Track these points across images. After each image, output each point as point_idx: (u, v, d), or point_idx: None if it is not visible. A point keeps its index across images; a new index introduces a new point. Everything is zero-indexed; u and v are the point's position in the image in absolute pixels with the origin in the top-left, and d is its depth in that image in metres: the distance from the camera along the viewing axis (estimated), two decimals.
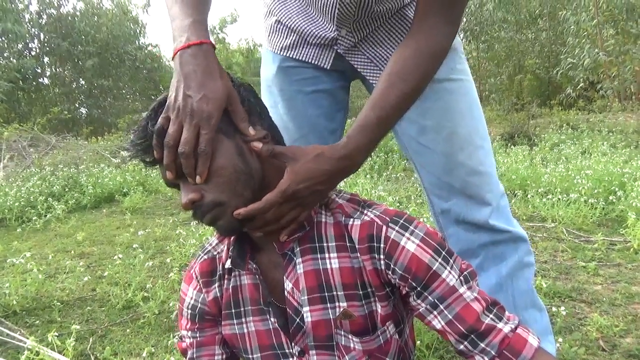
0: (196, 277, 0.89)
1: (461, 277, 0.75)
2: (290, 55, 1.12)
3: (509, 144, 6.59)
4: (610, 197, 3.22)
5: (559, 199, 3.25)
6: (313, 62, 1.10)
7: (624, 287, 2.05)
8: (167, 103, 0.73)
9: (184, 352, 0.91)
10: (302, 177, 0.76)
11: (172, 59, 0.78)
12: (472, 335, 0.73)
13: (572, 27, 10.28)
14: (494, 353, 0.72)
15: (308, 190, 0.76)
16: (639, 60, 9.01)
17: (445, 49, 0.87)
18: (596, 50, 9.30)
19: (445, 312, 0.74)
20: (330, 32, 1.04)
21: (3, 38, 12.05)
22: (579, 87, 10.12)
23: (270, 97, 1.17)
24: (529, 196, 3.55)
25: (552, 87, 12.80)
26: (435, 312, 0.75)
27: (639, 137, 6.43)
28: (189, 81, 0.72)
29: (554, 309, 1.79)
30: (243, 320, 0.86)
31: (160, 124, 0.72)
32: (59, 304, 2.27)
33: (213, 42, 0.78)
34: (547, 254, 2.55)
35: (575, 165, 4.18)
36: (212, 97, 0.71)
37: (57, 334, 1.79)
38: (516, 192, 3.75)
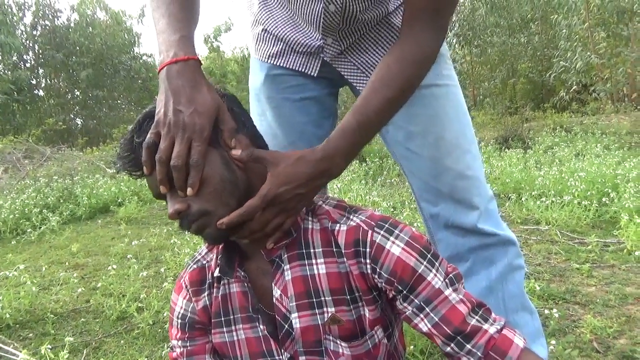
0: (186, 287, 0.89)
1: (447, 280, 0.76)
2: (278, 64, 1.13)
3: (503, 148, 6.61)
4: (604, 199, 3.23)
5: (552, 201, 3.26)
6: (300, 69, 1.11)
7: (618, 288, 2.05)
8: (156, 119, 0.74)
9: None
10: (282, 180, 0.76)
11: (159, 72, 0.79)
12: (459, 337, 0.73)
13: (564, 30, 10.38)
14: (480, 354, 0.73)
15: (289, 194, 0.76)
16: (631, 62, 9.10)
17: (431, 56, 0.88)
18: (588, 53, 9.39)
19: (432, 314, 0.74)
20: (316, 40, 1.05)
21: None
22: (572, 90, 10.21)
23: (258, 105, 1.18)
24: (523, 199, 3.56)
25: (546, 91, 12.90)
26: (421, 315, 0.75)
27: (632, 138, 6.48)
28: (178, 96, 0.73)
29: (547, 311, 1.79)
30: (233, 328, 0.86)
31: (150, 139, 0.73)
32: (52, 316, 2.26)
33: (199, 59, 0.79)
34: (541, 257, 2.55)
35: (569, 168, 4.20)
36: (203, 111, 0.73)
37: (50, 347, 1.77)
38: (510, 195, 3.76)
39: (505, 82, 13.60)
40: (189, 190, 0.72)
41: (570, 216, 3.08)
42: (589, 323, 1.71)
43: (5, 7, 13.21)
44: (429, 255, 0.76)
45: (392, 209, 3.63)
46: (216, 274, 0.85)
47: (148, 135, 0.73)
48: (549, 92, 12.50)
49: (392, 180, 5.08)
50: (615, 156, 4.71)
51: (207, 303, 0.87)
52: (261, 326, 0.83)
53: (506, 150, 6.27)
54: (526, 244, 2.78)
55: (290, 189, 0.76)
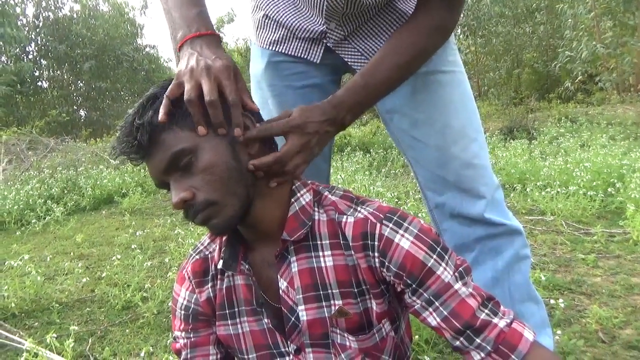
0: (188, 278, 0.88)
1: (456, 274, 0.75)
2: (280, 50, 1.11)
3: (508, 138, 6.58)
4: (609, 189, 3.22)
5: (558, 192, 3.24)
6: (303, 56, 1.09)
7: (624, 279, 2.04)
8: (177, 73, 0.73)
9: (178, 353, 0.90)
10: (303, 114, 0.80)
11: (180, 46, 0.78)
12: (468, 331, 0.73)
13: (570, 20, 10.26)
14: (489, 348, 0.72)
15: (313, 126, 0.79)
16: (638, 52, 8.99)
17: (442, 31, 0.91)
18: (594, 42, 9.26)
19: (441, 308, 0.73)
20: (319, 25, 1.03)
21: (1, 42, 12.03)
22: (577, 80, 10.10)
23: (259, 93, 1.17)
24: (528, 190, 3.54)
25: (551, 81, 12.77)
26: (430, 309, 0.74)
27: (638, 128, 6.42)
28: (201, 51, 0.75)
29: (552, 301, 1.79)
30: (237, 320, 0.85)
31: (171, 90, 0.72)
32: (57, 305, 2.27)
33: (217, 33, 0.81)
34: (546, 247, 2.54)
35: (574, 158, 4.17)
36: (225, 58, 0.75)
37: (56, 336, 1.78)
38: (515, 185, 3.75)
39: (510, 73, 13.48)
40: (237, 131, 0.73)
41: (576, 206, 3.06)
42: (594, 313, 1.71)
43: None
44: (438, 249, 0.75)
45: (396, 200, 3.62)
46: (220, 266, 0.84)
47: (170, 87, 0.73)
48: (554, 82, 12.38)
49: (396, 171, 5.06)
50: (621, 146, 4.68)
51: (211, 295, 0.86)
52: (265, 320, 0.83)
53: (511, 140, 6.24)
54: (531, 235, 2.76)
55: (310, 122, 0.79)
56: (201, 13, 0.82)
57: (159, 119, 0.71)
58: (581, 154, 4.41)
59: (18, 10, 14.09)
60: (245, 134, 0.75)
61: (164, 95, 0.72)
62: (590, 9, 9.50)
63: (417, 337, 1.59)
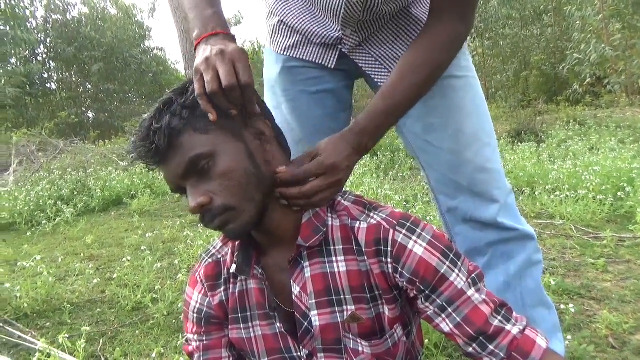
0: (201, 281, 0.88)
1: (469, 280, 0.75)
2: (294, 55, 1.12)
3: (516, 141, 6.55)
4: (619, 193, 3.19)
5: (567, 195, 3.23)
6: (317, 61, 1.10)
7: (634, 284, 2.03)
8: (194, 69, 0.74)
9: (190, 355, 0.91)
10: (334, 151, 0.80)
11: (196, 45, 0.80)
12: (481, 338, 0.73)
13: (578, 22, 10.21)
14: (502, 355, 0.72)
15: (342, 164, 0.80)
16: None
17: (457, 44, 0.91)
18: (602, 45, 9.22)
19: (454, 315, 0.74)
20: (335, 31, 1.04)
21: (9, 45, 12.14)
22: (585, 82, 10.05)
23: (273, 97, 1.17)
24: (536, 193, 3.52)
25: (559, 83, 12.72)
26: (443, 315, 0.75)
27: None
28: (216, 43, 0.76)
29: (562, 306, 1.78)
30: (250, 324, 0.85)
31: (198, 88, 0.72)
32: (69, 306, 2.29)
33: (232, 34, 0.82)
34: (555, 251, 2.53)
35: (583, 162, 4.15)
36: (239, 46, 0.76)
37: (67, 336, 1.80)
38: (523, 189, 3.73)
39: (518, 75, 13.44)
40: (257, 107, 0.74)
41: (585, 211, 3.04)
42: (604, 318, 1.70)
43: (18, 0, 13.28)
44: (451, 255, 0.75)
45: (404, 203, 3.62)
46: (232, 270, 0.84)
47: (194, 86, 0.73)
48: (562, 85, 12.33)
49: (404, 174, 5.06)
50: (631, 150, 4.64)
51: (224, 298, 0.86)
52: (278, 324, 0.83)
53: (519, 143, 6.20)
54: (540, 239, 2.75)
55: (342, 160, 0.80)
56: (216, 13, 0.83)
57: (211, 118, 0.71)
58: (590, 157, 4.38)
59: (28, 12, 14.23)
60: (279, 174, 0.76)
61: (198, 96, 0.72)
62: (598, 11, 9.46)
63: (426, 341, 1.59)
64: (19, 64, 13.98)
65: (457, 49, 0.91)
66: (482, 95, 1.11)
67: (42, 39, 15.38)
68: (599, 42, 9.39)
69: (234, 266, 0.84)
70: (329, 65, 1.09)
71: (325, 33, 1.05)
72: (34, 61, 14.86)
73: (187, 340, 0.92)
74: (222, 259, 0.88)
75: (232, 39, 0.80)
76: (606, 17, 9.47)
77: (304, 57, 1.11)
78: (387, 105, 0.85)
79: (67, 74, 16.48)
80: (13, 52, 13.55)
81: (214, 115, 0.71)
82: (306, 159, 0.80)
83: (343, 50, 1.06)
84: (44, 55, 15.74)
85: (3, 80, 12.14)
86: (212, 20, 0.81)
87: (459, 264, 0.75)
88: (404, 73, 0.87)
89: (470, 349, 0.74)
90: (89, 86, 16.64)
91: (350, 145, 0.82)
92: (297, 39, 1.11)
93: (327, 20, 1.04)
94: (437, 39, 0.88)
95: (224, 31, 0.80)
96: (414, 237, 0.75)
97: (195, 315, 0.88)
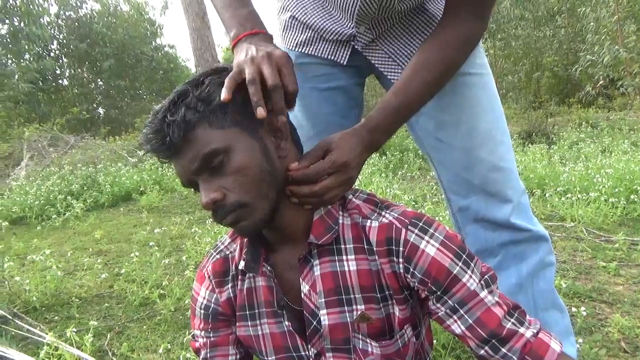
0: (209, 277, 0.87)
1: (482, 281, 0.74)
2: (306, 52, 1.11)
3: (527, 143, 6.49)
4: (632, 196, 3.14)
5: (578, 198, 3.19)
6: (330, 57, 1.09)
7: None
8: (237, 63, 0.74)
9: (197, 352, 0.90)
10: (346, 149, 0.78)
11: (235, 44, 0.81)
12: (494, 341, 0.72)
13: (592, 23, 10.09)
14: (515, 358, 0.71)
15: (354, 162, 0.79)
16: None
17: (472, 43, 0.90)
18: (616, 47, 9.10)
19: (466, 316, 0.72)
20: (348, 28, 1.03)
21: (24, 41, 12.27)
22: (598, 84, 9.93)
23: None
24: (547, 195, 3.49)
25: (571, 85, 12.57)
26: (455, 317, 0.73)
27: None
28: (259, 44, 0.76)
29: (573, 309, 1.76)
30: (257, 322, 0.84)
31: (233, 74, 0.72)
32: (77, 300, 2.30)
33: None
34: (566, 254, 2.50)
35: (595, 164, 4.09)
36: (283, 50, 0.76)
37: (75, 330, 1.81)
38: (534, 191, 3.69)
39: (529, 76, 13.31)
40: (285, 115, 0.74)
41: (597, 213, 3.00)
42: (616, 322, 1.67)
43: None
44: (464, 256, 0.74)
45: (413, 203, 3.60)
46: (241, 266, 0.83)
47: (232, 72, 0.73)
48: (575, 86, 12.19)
49: (413, 174, 5.03)
50: None
51: (231, 295, 0.85)
52: (286, 322, 0.82)
53: (529, 145, 6.15)
54: (551, 241, 2.72)
55: (354, 157, 0.79)
56: (252, 12, 0.84)
57: (222, 97, 0.69)
58: (602, 159, 4.32)
59: (41, 9, 14.35)
60: (291, 172, 0.76)
61: (227, 77, 0.71)
62: (613, 13, 9.34)
63: (434, 341, 1.57)
64: (32, 60, 14.12)
65: (471, 48, 0.90)
66: (496, 93, 1.09)
67: (55, 35, 15.51)
68: (612, 44, 9.27)
69: (242, 263, 0.82)
70: (341, 62, 1.08)
71: (338, 29, 1.04)
72: (47, 57, 14.97)
73: (193, 337, 0.91)
74: (230, 255, 0.87)
75: (272, 39, 0.81)
76: (621, 18, 9.35)
77: (316, 53, 1.10)
78: (400, 102, 0.84)
79: (79, 70, 16.59)
80: (27, 48, 13.68)
81: (264, 112, 0.70)
82: (318, 153, 0.79)
83: (356, 47, 1.05)
84: (57, 52, 15.87)
85: (17, 76, 12.26)
86: (249, 19, 0.82)
87: (472, 265, 0.74)
88: (417, 70, 0.86)
89: (482, 352, 0.73)
90: (100, 83, 16.75)
91: (363, 142, 0.81)
92: (309, 35, 1.10)
93: (341, 16, 1.03)
94: (452, 37, 0.87)
95: (262, 31, 0.81)
96: (427, 237, 0.74)
97: (202, 311, 0.87)
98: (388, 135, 0.85)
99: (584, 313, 1.71)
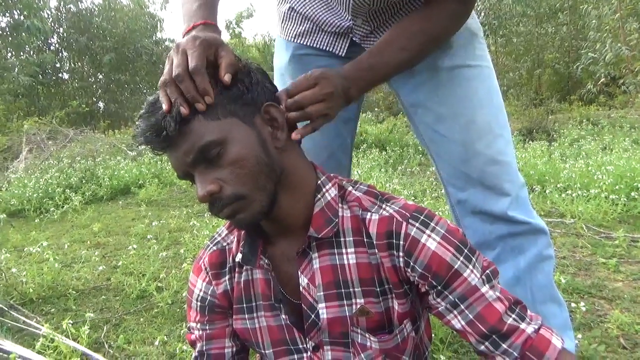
0: (205, 269, 0.86)
1: (483, 276, 0.73)
2: (305, 43, 1.10)
3: (527, 139, 6.48)
4: (633, 194, 3.14)
5: (578, 194, 3.18)
6: (328, 49, 1.08)
7: None
8: (168, 56, 0.74)
9: (193, 344, 0.89)
10: (318, 73, 0.81)
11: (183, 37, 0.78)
12: (494, 336, 0.71)
13: (594, 21, 10.04)
14: (516, 354, 0.70)
15: (329, 84, 0.80)
16: None
17: (454, 22, 0.92)
18: (619, 44, 9.06)
19: (466, 311, 0.72)
20: (346, 20, 1.02)
21: (24, 34, 12.21)
22: (600, 82, 9.89)
23: (283, 85, 1.15)
24: (547, 191, 3.48)
25: (572, 82, 12.56)
26: (455, 312, 0.73)
27: None
28: (198, 33, 0.74)
29: (573, 305, 1.75)
30: (254, 315, 0.83)
31: (164, 74, 0.72)
32: (74, 292, 2.29)
33: (215, 23, 0.81)
34: (565, 250, 2.49)
35: (596, 161, 4.08)
36: (202, 34, 0.73)
37: (72, 322, 1.80)
38: (534, 187, 3.68)
39: (531, 73, 13.28)
40: (207, 99, 0.68)
41: (597, 210, 3.00)
42: (615, 318, 1.66)
43: None
44: (465, 250, 0.72)
45: (413, 198, 3.59)
46: (238, 259, 0.82)
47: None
48: (576, 84, 12.16)
49: (413, 169, 5.02)
50: None
51: (228, 287, 0.84)
52: (283, 315, 0.81)
53: (530, 142, 6.14)
54: (550, 237, 2.71)
55: (333, 77, 0.81)
56: (201, 6, 0.82)
57: (183, 111, 0.68)
58: (603, 157, 4.31)
59: (42, 2, 14.29)
60: (284, 104, 0.77)
61: (158, 87, 0.71)
62: (615, 10, 9.30)
63: (432, 335, 1.56)
64: (32, 53, 14.07)
65: (454, 26, 0.93)
66: (496, 86, 1.08)
67: (55, 28, 15.44)
68: (614, 42, 9.22)
69: (239, 255, 0.81)
70: (340, 53, 1.07)
71: (335, 22, 1.03)
72: (47, 51, 14.92)
73: (190, 329, 0.90)
74: (227, 247, 0.86)
75: (213, 28, 0.78)
76: (623, 16, 9.30)
77: (315, 45, 1.09)
78: (375, 61, 0.86)
79: (79, 63, 16.53)
80: (27, 41, 13.64)
81: (167, 106, 0.68)
82: (304, 82, 0.81)
83: (354, 38, 1.04)
84: (57, 45, 15.81)
85: (17, 69, 12.22)
86: (197, 13, 0.81)
87: (473, 259, 0.73)
88: (397, 35, 0.88)
89: (483, 347, 0.72)
90: (100, 76, 16.70)
91: (334, 80, 0.82)
92: (307, 26, 1.09)
93: (338, 8, 1.02)
94: (435, 11, 0.89)
95: (204, 22, 0.79)
96: (428, 231, 0.72)
97: (198, 303, 0.86)
98: (358, 88, 0.86)
99: (584, 309, 1.70)
